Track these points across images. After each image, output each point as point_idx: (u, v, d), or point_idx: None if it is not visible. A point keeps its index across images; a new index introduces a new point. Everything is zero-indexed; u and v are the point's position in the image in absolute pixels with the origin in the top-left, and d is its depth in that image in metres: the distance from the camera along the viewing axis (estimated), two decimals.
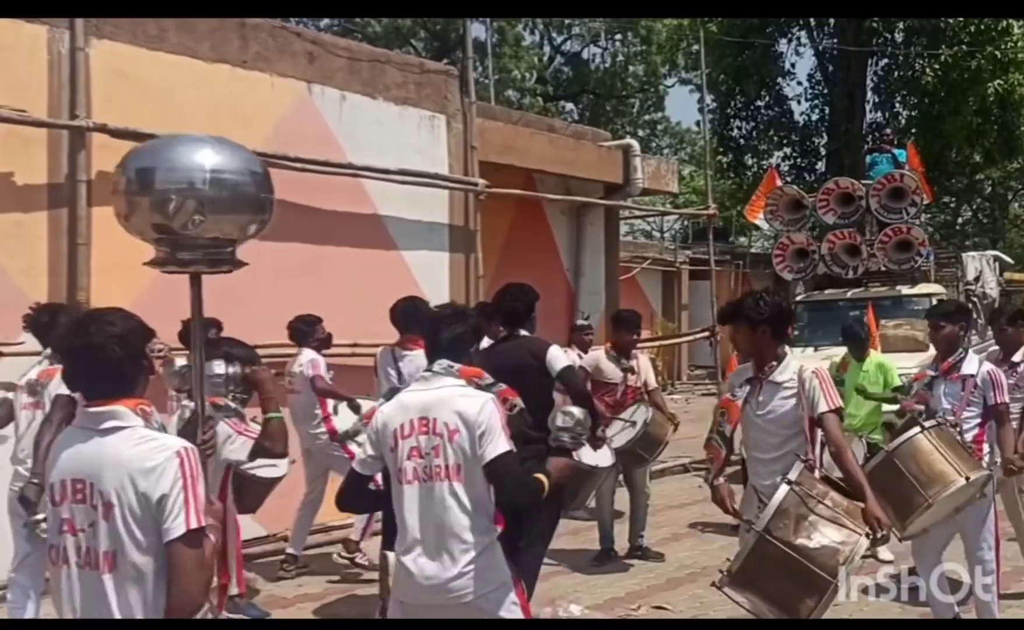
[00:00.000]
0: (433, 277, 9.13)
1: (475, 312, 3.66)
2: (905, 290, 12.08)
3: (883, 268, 12.21)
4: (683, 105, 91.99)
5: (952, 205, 32.67)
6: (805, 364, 4.21)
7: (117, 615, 2.37)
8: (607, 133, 13.10)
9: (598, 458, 6.01)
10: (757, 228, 28.75)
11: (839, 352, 9.45)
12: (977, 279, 13.77)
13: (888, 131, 15.52)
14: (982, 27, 21.36)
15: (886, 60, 24.47)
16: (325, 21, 26.62)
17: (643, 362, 7.39)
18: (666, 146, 35.97)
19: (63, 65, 6.78)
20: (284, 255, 7.86)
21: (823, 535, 3.63)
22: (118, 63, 7.06)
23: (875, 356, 7.83)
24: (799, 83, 29.96)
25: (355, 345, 7.92)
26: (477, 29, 27.32)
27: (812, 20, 24.38)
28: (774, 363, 4.16)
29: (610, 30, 33.02)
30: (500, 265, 10.57)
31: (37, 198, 6.72)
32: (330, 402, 6.81)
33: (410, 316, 6.16)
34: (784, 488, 3.71)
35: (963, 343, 5.37)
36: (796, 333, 10.54)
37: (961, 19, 21.21)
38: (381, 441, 3.39)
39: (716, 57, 24.60)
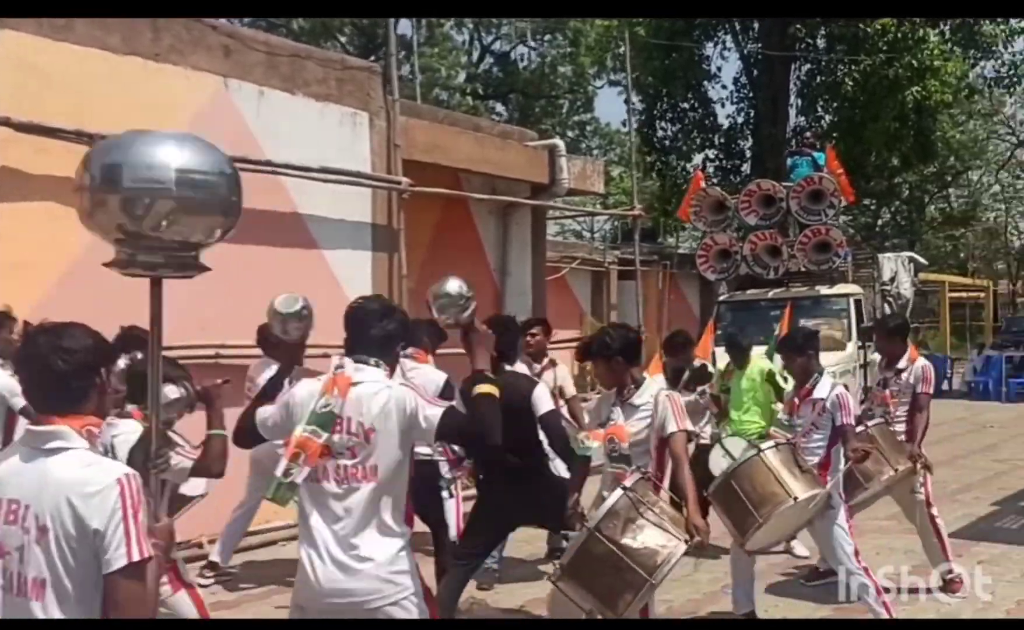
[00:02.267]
0: (355, 277, 8.99)
1: (400, 309, 3.49)
2: (824, 290, 12.37)
3: (803, 269, 12.48)
4: (612, 106, 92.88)
5: (873, 207, 33.58)
6: (661, 389, 4.53)
7: None
8: (534, 133, 13.08)
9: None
10: (684, 229, 29.22)
11: (759, 351, 9.61)
12: (892, 280, 14.17)
13: (808, 134, 15.86)
14: (899, 35, 21.94)
15: (809, 65, 24.99)
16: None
17: (560, 370, 7.18)
18: (596, 147, 36.20)
19: None
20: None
21: (646, 537, 3.94)
22: (24, 54, 6.79)
23: (757, 362, 7.94)
24: (724, 87, 30.44)
25: None
26: (404, 26, 27.11)
27: (737, 24, 24.78)
28: (632, 387, 4.48)
29: (538, 30, 33.07)
30: (425, 264, 10.47)
31: None
32: None
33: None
34: (619, 492, 4.02)
35: (816, 368, 5.74)
36: (719, 333, 10.68)
37: (879, 26, 21.77)
38: (291, 419, 3.21)
39: (644, 59, 24.82)
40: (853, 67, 22.76)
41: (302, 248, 8.55)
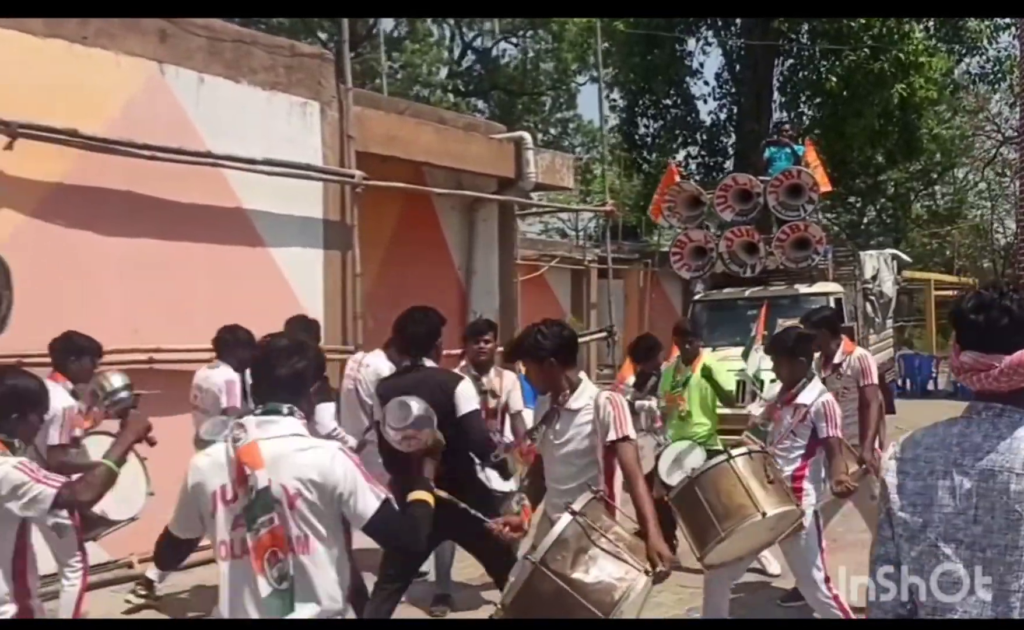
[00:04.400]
0: (306, 276, 8.54)
1: (315, 344, 3.12)
2: (803, 289, 11.91)
3: (781, 266, 12.01)
4: (595, 104, 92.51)
5: (857, 205, 33.27)
6: (602, 391, 4.07)
7: None
8: (501, 126, 12.62)
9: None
10: (670, 227, 28.83)
11: (736, 352, 9.19)
12: (874, 277, 13.74)
13: (787, 125, 15.39)
14: (884, 30, 21.58)
15: (792, 60, 24.62)
16: None
17: (507, 379, 6.31)
18: (578, 144, 35.72)
19: None
20: (133, 251, 7.20)
21: (601, 570, 3.40)
22: None
23: (704, 359, 7.35)
24: (706, 83, 30.00)
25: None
26: (386, 22, 26.62)
27: (719, 19, 24.38)
28: (567, 391, 4.05)
29: (518, 27, 32.58)
30: (385, 262, 10.04)
31: None
32: None
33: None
34: (567, 518, 3.46)
35: (806, 372, 5.19)
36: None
37: (863, 21, 21.40)
38: (197, 503, 2.80)
39: (624, 55, 24.42)
40: (836, 62, 22.41)
41: (247, 245, 8.08)
